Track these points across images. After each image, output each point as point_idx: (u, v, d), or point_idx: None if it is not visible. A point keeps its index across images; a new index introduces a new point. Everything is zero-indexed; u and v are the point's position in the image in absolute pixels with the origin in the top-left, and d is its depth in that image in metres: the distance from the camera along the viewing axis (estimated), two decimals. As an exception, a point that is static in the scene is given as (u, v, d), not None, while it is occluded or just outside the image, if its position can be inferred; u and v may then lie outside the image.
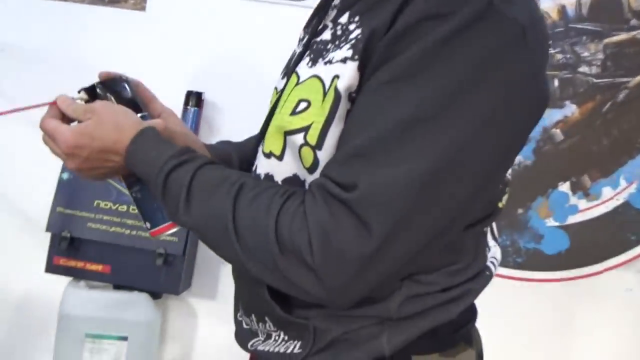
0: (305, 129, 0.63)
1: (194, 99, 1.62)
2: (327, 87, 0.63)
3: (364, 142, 0.57)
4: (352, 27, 0.65)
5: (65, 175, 1.55)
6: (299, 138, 0.64)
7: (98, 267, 1.49)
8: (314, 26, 0.75)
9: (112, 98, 0.76)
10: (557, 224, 1.65)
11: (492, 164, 0.60)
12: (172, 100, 1.62)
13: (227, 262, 0.69)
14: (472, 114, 0.56)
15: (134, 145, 0.71)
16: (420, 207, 0.56)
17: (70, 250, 1.49)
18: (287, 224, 0.58)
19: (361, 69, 0.61)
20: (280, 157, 0.67)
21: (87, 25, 1.73)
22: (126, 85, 0.78)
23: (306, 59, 0.70)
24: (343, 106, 0.61)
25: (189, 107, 1.62)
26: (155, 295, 1.53)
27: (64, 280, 1.54)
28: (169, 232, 0.78)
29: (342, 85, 0.61)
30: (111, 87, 0.77)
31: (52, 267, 1.50)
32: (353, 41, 0.63)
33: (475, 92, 0.56)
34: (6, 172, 1.69)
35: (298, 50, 0.78)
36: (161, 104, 0.84)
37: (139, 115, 0.76)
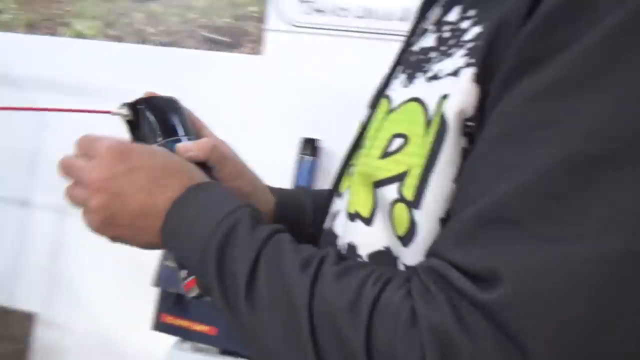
0: (400, 178, 0.43)
1: (309, 146, 1.51)
2: (431, 112, 0.43)
3: (505, 200, 0.36)
4: (465, 24, 0.45)
5: (176, 227, 1.47)
6: (390, 191, 0.44)
7: (204, 328, 1.38)
8: (408, 35, 0.55)
9: (154, 117, 0.62)
10: None
11: None
12: (286, 147, 1.57)
13: None
14: None
15: (183, 197, 0.51)
16: (613, 313, 0.34)
17: (177, 308, 1.40)
18: (386, 329, 0.38)
19: (482, 81, 0.40)
20: (368, 221, 0.47)
21: (204, 70, 1.71)
22: (174, 107, 0.65)
23: (400, 77, 0.51)
24: (453, 141, 0.41)
25: (304, 155, 1.51)
26: (263, 363, 1.39)
27: (170, 340, 1.45)
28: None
29: (451, 108, 0.41)
30: (156, 106, 0.63)
31: (158, 325, 1.42)
32: (470, 44, 0.42)
33: None
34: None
35: (388, 70, 0.58)
36: (212, 133, 0.67)
37: (182, 137, 0.61)
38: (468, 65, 0.41)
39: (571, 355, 0.34)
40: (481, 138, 0.39)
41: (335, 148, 1.56)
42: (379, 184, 0.45)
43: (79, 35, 1.86)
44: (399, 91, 0.49)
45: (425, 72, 0.47)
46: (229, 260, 0.46)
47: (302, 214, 0.68)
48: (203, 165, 0.59)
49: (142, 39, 1.81)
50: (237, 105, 1.64)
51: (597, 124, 0.34)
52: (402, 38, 0.60)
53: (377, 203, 0.46)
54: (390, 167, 0.45)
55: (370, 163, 0.48)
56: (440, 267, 0.37)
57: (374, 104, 0.55)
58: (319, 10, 1.65)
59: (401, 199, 0.43)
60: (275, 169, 1.55)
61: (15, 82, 1.85)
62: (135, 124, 0.62)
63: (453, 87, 0.41)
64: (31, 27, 1.92)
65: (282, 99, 1.62)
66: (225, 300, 0.46)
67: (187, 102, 1.80)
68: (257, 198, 0.65)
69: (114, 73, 1.78)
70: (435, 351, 0.35)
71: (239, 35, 1.73)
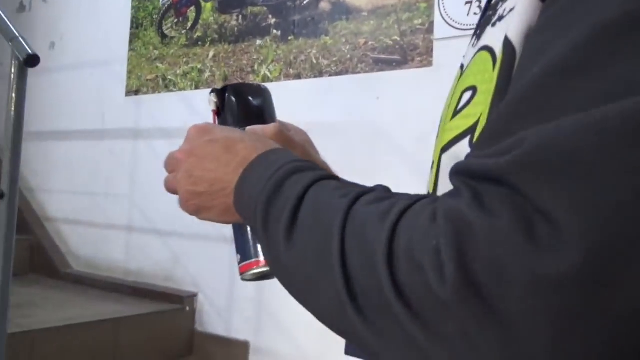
0: (471, 130, 0.38)
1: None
2: (497, 51, 0.38)
3: (532, 83, 0.32)
4: None
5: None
6: (462, 148, 0.39)
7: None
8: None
9: (236, 104, 0.65)
10: None
11: None
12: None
13: (329, 325, 0.41)
14: None
15: (255, 161, 0.51)
16: None
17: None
18: (408, 229, 0.33)
19: None
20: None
21: (378, 91, 1.71)
22: (259, 95, 0.67)
23: (472, 41, 0.47)
24: None
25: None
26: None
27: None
28: (255, 271, 0.59)
29: (515, 31, 0.37)
30: (241, 94, 0.66)
31: (349, 349, 1.41)
32: None
33: None
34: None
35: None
36: (291, 125, 0.65)
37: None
38: None
39: (605, 223, 0.27)
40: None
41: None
42: (445, 148, 0.41)
43: (265, 79, 2.00)
44: (469, 53, 0.46)
45: (492, 24, 0.42)
46: (278, 203, 0.44)
47: None
48: None
49: (318, 72, 1.88)
50: (412, 118, 1.60)
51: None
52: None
53: (440, 173, 0.41)
54: (459, 124, 0.40)
55: (443, 129, 0.43)
56: (465, 163, 0.34)
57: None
58: (484, 7, 1.54)
59: None
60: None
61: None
62: (219, 113, 0.66)
63: (514, 16, 0.37)
64: (225, 80, 2.12)
65: (456, 106, 1.54)
66: (267, 240, 0.44)
67: (363, 126, 1.84)
68: None
69: (294, 109, 1.87)
70: (448, 237, 0.30)
71: (408, 51, 1.70)
